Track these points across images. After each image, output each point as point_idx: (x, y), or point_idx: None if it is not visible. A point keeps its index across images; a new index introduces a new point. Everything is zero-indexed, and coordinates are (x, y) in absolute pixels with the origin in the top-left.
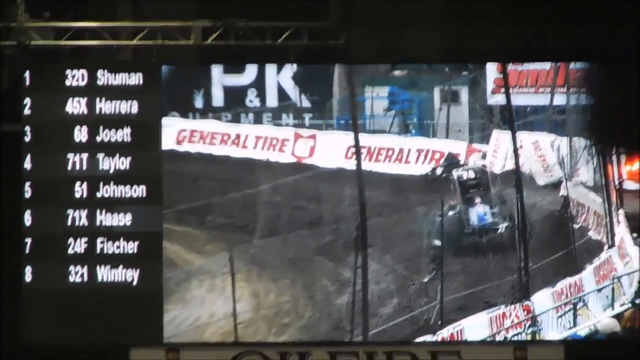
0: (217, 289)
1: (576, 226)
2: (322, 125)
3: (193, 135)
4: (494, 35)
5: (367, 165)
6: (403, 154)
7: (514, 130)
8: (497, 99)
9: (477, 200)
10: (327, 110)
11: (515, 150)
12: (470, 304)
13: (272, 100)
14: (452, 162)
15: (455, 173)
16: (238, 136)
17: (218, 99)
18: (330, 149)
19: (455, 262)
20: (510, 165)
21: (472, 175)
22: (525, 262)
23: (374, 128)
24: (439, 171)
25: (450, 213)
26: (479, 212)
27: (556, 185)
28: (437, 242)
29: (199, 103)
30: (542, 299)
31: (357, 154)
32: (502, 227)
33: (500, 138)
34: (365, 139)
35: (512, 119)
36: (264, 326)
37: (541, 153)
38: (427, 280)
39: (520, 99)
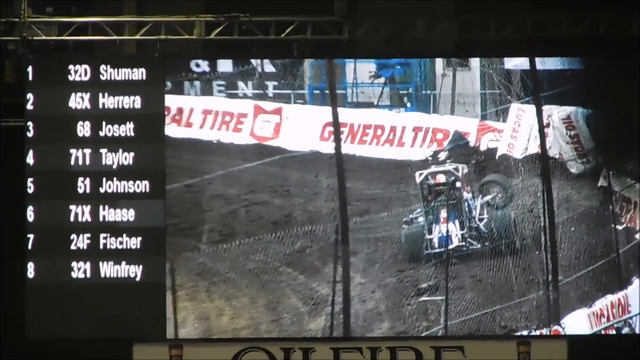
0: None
1: (620, 227)
2: (290, 96)
3: None
4: (503, 25)
5: (349, 149)
6: (396, 134)
7: (539, 103)
8: (516, 62)
9: (443, 213)
10: (297, 77)
11: (541, 129)
12: (484, 329)
13: (225, 65)
14: (459, 143)
15: (419, 175)
16: (180, 111)
17: None
18: (301, 128)
19: (464, 273)
20: (534, 149)
21: (441, 179)
22: (554, 274)
23: (357, 100)
24: (442, 156)
25: (408, 226)
26: (441, 232)
27: (594, 174)
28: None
29: None
30: (576, 323)
31: (336, 133)
32: (474, 248)
33: (522, 113)
34: (346, 115)
35: (538, 88)
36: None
37: (575, 132)
38: (426, 297)
39: (547, 62)
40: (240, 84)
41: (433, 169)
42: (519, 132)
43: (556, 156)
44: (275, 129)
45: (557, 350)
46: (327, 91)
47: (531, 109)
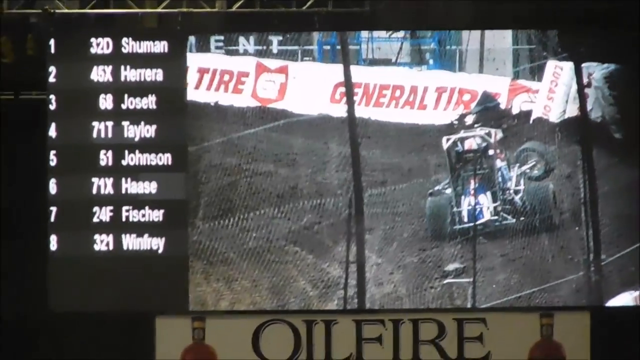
0: None
1: None
2: (296, 52)
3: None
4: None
5: (363, 112)
6: (416, 95)
7: (579, 59)
8: None
9: (472, 184)
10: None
11: (581, 89)
12: None
13: None
14: (488, 105)
15: (446, 140)
16: None
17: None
18: (309, 88)
19: (494, 252)
20: (573, 111)
21: (472, 145)
22: (595, 253)
23: (373, 57)
24: (469, 119)
25: (433, 198)
26: (470, 204)
27: None
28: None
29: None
30: None
31: (349, 95)
32: (509, 223)
33: (559, 71)
34: (360, 73)
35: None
36: None
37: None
38: (452, 280)
39: None
40: (241, 39)
41: (462, 133)
42: (555, 93)
43: (598, 120)
44: (280, 90)
45: (579, 322)
46: (338, 47)
47: (569, 66)
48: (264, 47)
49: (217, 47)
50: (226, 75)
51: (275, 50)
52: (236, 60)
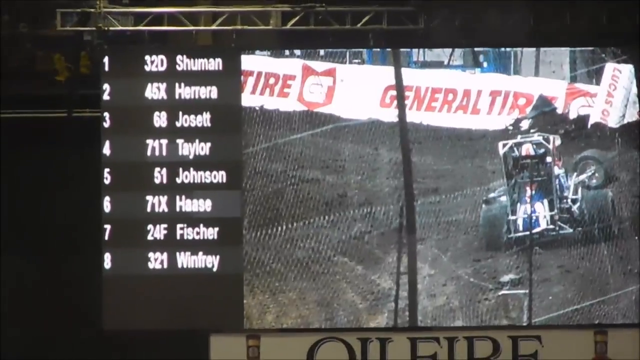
0: None
1: None
2: (345, 54)
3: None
4: (578, 14)
5: (414, 116)
6: (470, 99)
7: (638, 61)
8: None
9: (529, 191)
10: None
11: None
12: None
13: None
14: (545, 109)
15: (503, 145)
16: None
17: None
18: (357, 92)
19: (550, 262)
20: (632, 116)
21: (530, 151)
22: None
23: (425, 59)
24: (525, 124)
25: (488, 206)
26: (526, 212)
27: None
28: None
29: None
30: None
31: (400, 98)
32: (566, 232)
33: (618, 74)
34: (411, 76)
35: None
36: None
37: None
38: (507, 291)
39: None
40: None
41: (519, 139)
42: (614, 97)
43: None
44: (327, 94)
45: (633, 339)
46: (389, 49)
47: (629, 68)
48: (311, 50)
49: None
50: (272, 78)
51: (322, 52)
52: (282, 62)
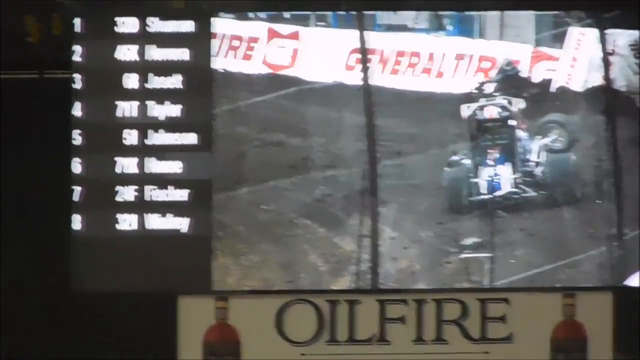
0: None
1: None
2: (309, 17)
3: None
4: None
5: (378, 79)
6: (434, 62)
7: (602, 25)
8: None
9: (492, 154)
10: None
11: (606, 56)
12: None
13: None
14: (509, 74)
15: (467, 108)
16: None
17: None
18: (322, 55)
19: (513, 226)
20: (596, 80)
21: (493, 114)
22: (618, 227)
23: (389, 22)
24: (489, 88)
25: (451, 168)
26: (489, 175)
27: None
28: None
29: None
30: None
31: (364, 61)
32: (529, 195)
33: (582, 38)
34: (376, 39)
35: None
36: None
37: None
38: (469, 254)
39: None
40: None
41: (483, 102)
42: (578, 61)
43: (622, 89)
44: (292, 56)
45: (602, 303)
46: (353, 12)
47: (594, 32)
48: (276, 12)
49: (224, 12)
50: (235, 41)
51: (287, 15)
52: (246, 25)
